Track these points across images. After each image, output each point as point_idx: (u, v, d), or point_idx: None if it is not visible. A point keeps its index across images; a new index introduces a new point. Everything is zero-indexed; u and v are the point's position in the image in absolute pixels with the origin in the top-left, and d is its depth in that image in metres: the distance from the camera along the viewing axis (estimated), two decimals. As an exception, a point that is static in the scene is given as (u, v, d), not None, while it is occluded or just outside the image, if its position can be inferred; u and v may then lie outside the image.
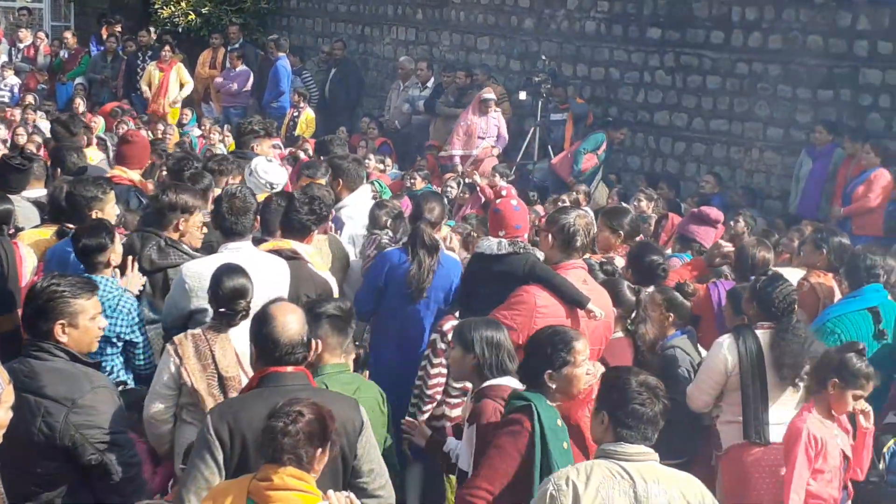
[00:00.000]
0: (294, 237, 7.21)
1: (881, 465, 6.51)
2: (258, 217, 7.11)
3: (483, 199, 13.67)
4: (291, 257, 7.00)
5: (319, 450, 4.33)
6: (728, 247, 8.10)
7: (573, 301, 6.04)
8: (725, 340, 6.56)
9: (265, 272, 6.47)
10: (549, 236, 6.25)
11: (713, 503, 4.59)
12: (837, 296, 7.72)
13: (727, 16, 15.09)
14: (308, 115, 17.97)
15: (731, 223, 10.71)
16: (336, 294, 7.10)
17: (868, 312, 7.28)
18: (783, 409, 6.46)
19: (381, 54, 20.03)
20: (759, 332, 6.52)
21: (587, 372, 5.50)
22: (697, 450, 6.90)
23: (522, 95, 16.26)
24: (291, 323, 4.88)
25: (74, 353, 5.15)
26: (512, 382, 5.50)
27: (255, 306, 6.00)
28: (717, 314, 7.61)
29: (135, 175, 9.50)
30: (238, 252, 6.64)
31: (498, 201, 6.48)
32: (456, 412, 6.83)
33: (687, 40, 15.53)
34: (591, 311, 6.06)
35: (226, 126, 17.38)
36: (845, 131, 13.54)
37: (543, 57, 16.47)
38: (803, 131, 14.06)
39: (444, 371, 6.86)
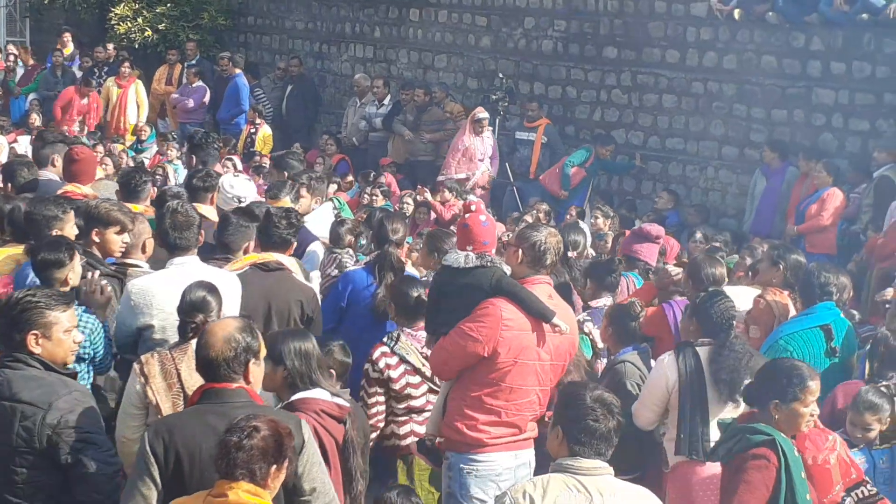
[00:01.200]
0: (276, 251, 7.21)
1: None
2: (202, 231, 7.03)
3: (434, 216, 13.72)
4: (278, 268, 7.02)
5: (274, 466, 4.32)
6: (677, 272, 8.14)
7: (539, 315, 6.06)
8: (666, 358, 6.61)
9: (217, 284, 6.45)
10: (520, 252, 6.25)
11: None
12: (792, 312, 7.78)
13: (682, 36, 15.23)
14: (265, 132, 17.95)
15: (690, 243, 10.79)
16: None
17: (820, 330, 7.34)
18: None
19: (338, 71, 20.04)
20: (700, 349, 6.56)
21: (811, 413, 5.51)
22: (650, 465, 6.92)
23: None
24: (224, 340, 4.82)
25: (49, 363, 5.18)
26: (322, 395, 5.52)
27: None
28: (674, 333, 7.64)
29: (88, 190, 9.46)
30: (183, 267, 6.61)
31: (467, 216, 6.46)
32: (405, 429, 6.89)
33: (643, 59, 15.66)
34: (557, 325, 6.09)
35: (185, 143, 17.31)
36: (797, 150, 13.71)
37: (501, 75, 16.53)
38: (758, 150, 14.19)
39: (381, 399, 6.85)
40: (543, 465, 5.58)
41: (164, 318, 6.33)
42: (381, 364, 6.81)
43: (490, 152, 15.75)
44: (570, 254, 9.07)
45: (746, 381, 6.35)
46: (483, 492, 6.05)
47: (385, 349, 6.85)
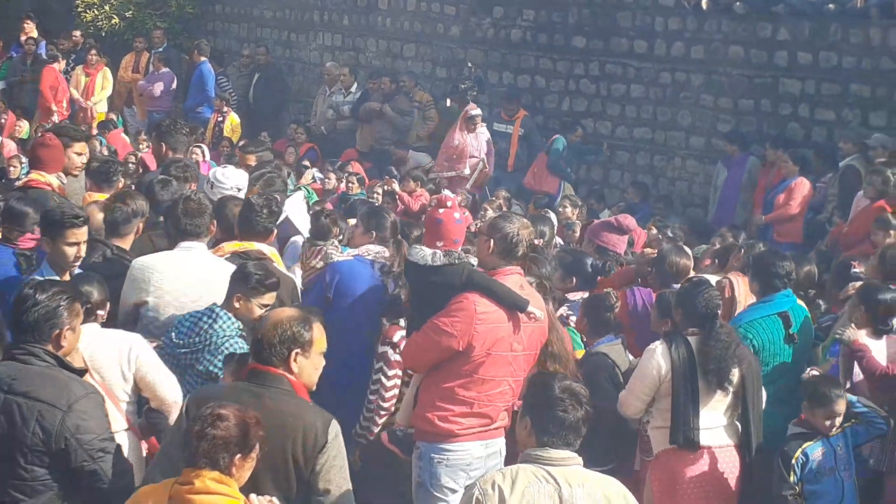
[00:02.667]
0: (257, 239, 7.19)
1: (791, 478, 6.57)
2: (214, 221, 7.12)
3: (401, 207, 13.71)
4: (259, 258, 6.99)
5: (238, 456, 4.32)
6: (651, 252, 8.21)
7: (513, 306, 6.07)
8: (658, 347, 6.62)
9: (216, 273, 6.63)
10: (491, 242, 6.23)
11: None
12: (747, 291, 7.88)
13: (650, 26, 15.28)
14: (233, 119, 17.88)
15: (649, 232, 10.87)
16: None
17: (778, 317, 7.37)
18: (713, 414, 6.56)
19: (307, 60, 19.99)
20: (690, 339, 6.61)
21: None
22: (622, 456, 6.96)
23: (449, 102, 16.33)
24: (273, 325, 4.87)
25: (63, 359, 5.17)
26: None
27: (201, 306, 6.33)
28: (632, 319, 7.68)
29: (53, 179, 9.38)
30: (189, 251, 6.76)
31: (441, 211, 6.42)
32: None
33: (611, 49, 15.71)
34: (532, 313, 6.10)
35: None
36: (762, 140, 13.82)
37: (469, 64, 16.55)
38: (725, 140, 14.26)
39: (399, 382, 6.88)
40: (515, 453, 5.63)
41: (159, 296, 6.50)
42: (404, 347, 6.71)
43: (485, 149, 15.47)
44: (536, 241, 9.07)
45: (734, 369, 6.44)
46: (453, 481, 6.06)
47: (404, 333, 6.82)
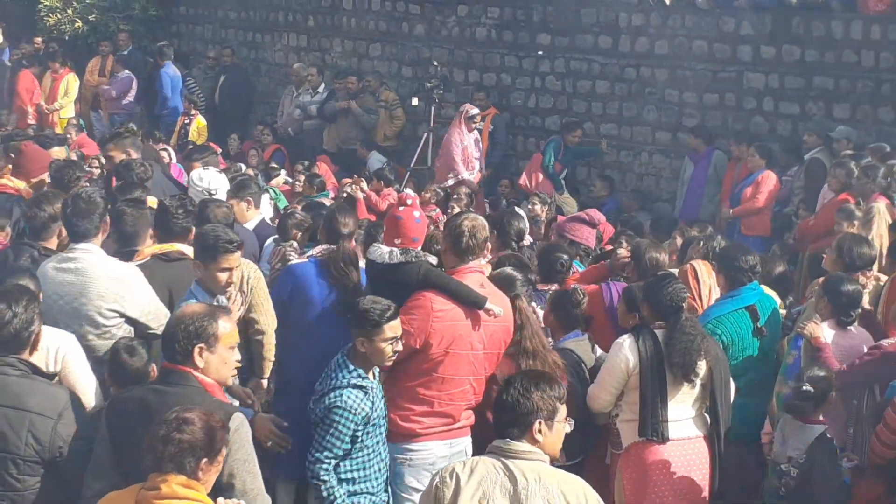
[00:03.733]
0: (176, 240, 7.12)
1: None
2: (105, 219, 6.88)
3: (367, 206, 13.68)
4: (179, 258, 6.94)
5: (205, 460, 4.31)
6: (625, 253, 8.19)
7: (471, 303, 6.07)
8: (626, 341, 6.65)
9: (107, 276, 6.45)
10: (443, 240, 6.29)
11: (597, 502, 4.63)
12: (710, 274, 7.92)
13: (614, 21, 15.30)
14: (199, 121, 17.82)
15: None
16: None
17: (746, 311, 7.41)
18: (681, 406, 6.58)
19: (272, 61, 19.93)
20: (658, 332, 6.62)
21: None
22: (590, 450, 6.96)
23: (415, 101, 16.31)
24: (175, 321, 4.90)
25: (36, 366, 5.21)
26: None
27: (96, 308, 6.20)
28: (608, 314, 7.69)
29: (21, 184, 9.38)
30: (73, 254, 6.54)
31: (401, 209, 6.43)
32: None
33: (576, 46, 15.72)
34: (490, 309, 6.09)
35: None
36: (727, 135, 13.87)
37: (435, 63, 16.54)
38: (690, 135, 14.29)
39: None
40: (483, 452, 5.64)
41: (46, 307, 6.18)
42: None
43: (481, 148, 15.42)
44: (523, 243, 9.08)
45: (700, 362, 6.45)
46: (417, 481, 6.06)
47: None
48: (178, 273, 6.83)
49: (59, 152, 9.85)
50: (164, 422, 4.31)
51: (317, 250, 7.55)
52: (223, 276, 6.37)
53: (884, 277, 8.45)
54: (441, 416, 6.10)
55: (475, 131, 15.30)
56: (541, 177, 14.81)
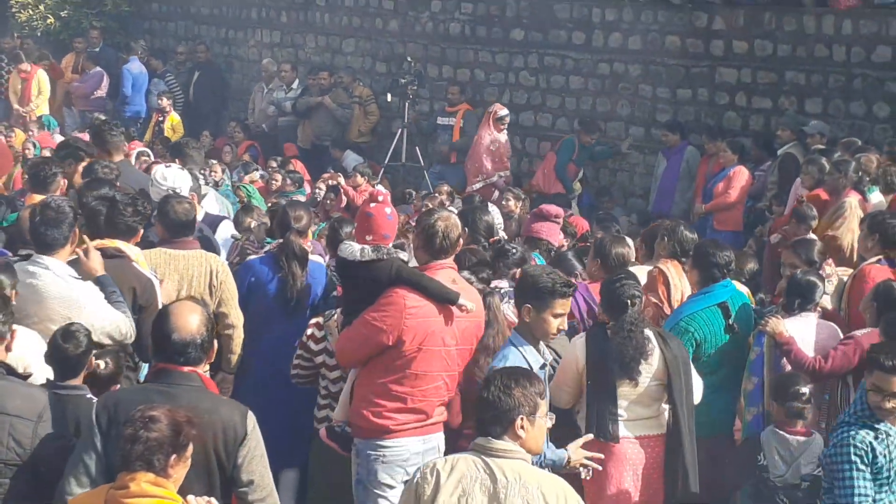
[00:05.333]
0: (120, 238, 6.98)
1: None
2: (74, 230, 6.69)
3: (346, 202, 13.69)
4: (115, 255, 6.84)
5: (174, 456, 4.32)
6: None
7: (443, 299, 6.07)
8: (578, 340, 6.66)
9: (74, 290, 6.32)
10: (415, 237, 6.29)
11: (577, 502, 4.63)
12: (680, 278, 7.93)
13: (588, 17, 15.34)
14: (173, 118, 17.78)
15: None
16: (158, 293, 6.94)
17: (718, 308, 7.41)
18: (636, 405, 6.55)
19: (245, 57, 19.90)
20: (609, 330, 6.62)
21: None
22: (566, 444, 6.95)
23: (389, 97, 16.31)
24: (186, 321, 4.83)
25: (12, 367, 5.18)
26: None
27: (44, 329, 5.99)
28: (578, 317, 7.66)
29: (-6, 183, 9.35)
30: (34, 267, 6.34)
31: (372, 205, 6.40)
32: (322, 413, 6.85)
33: (550, 41, 15.75)
34: (463, 304, 6.09)
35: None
36: (700, 130, 13.92)
37: (409, 58, 16.54)
38: (663, 130, 14.34)
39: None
40: (455, 448, 5.65)
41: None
42: (309, 331, 6.76)
43: (510, 150, 15.31)
44: (500, 236, 9.08)
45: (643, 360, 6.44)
46: (391, 477, 6.06)
47: (319, 320, 6.79)
48: (111, 270, 6.64)
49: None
50: (131, 421, 4.31)
51: (274, 245, 7.65)
52: (556, 323, 6.15)
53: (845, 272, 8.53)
54: (414, 412, 6.08)
55: (504, 131, 15.17)
56: (555, 177, 14.57)
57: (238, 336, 7.33)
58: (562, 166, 14.52)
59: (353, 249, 6.14)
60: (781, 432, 6.76)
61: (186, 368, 4.80)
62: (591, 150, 14.86)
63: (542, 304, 6.02)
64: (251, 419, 4.82)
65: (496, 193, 14.11)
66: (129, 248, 7.01)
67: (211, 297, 7.11)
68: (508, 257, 7.82)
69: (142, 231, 7.20)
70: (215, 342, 5.02)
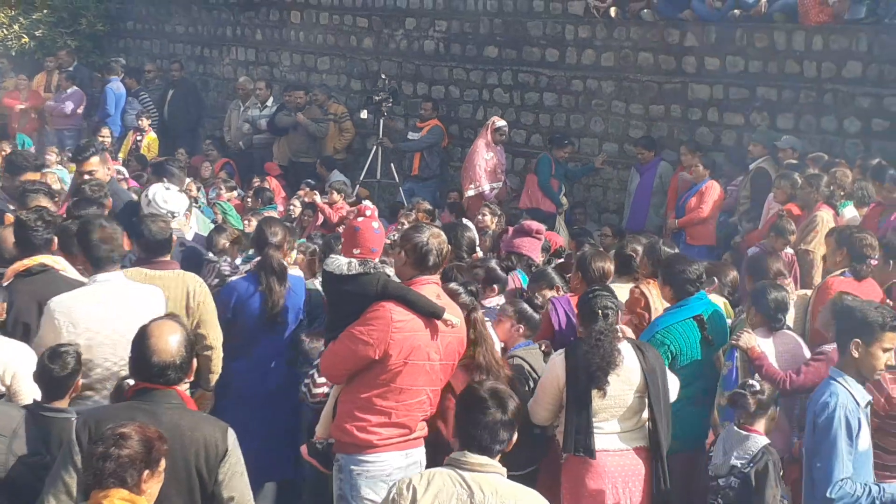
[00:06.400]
0: (38, 253, 7.03)
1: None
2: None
3: (322, 219, 13.74)
4: (42, 270, 6.89)
5: (147, 472, 4.35)
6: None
7: (430, 314, 6.11)
8: (557, 358, 6.69)
9: (135, 301, 6.46)
10: (403, 253, 6.29)
11: None
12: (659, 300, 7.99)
13: (561, 34, 15.45)
14: (150, 136, 17.81)
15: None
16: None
17: (693, 321, 7.47)
18: (613, 420, 6.59)
19: (220, 75, 19.94)
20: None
21: None
22: (541, 459, 6.99)
23: (364, 114, 16.37)
24: (166, 343, 4.87)
25: None
26: None
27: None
28: (557, 331, 7.73)
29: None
30: (107, 284, 6.53)
31: (359, 219, 6.45)
32: None
33: (523, 58, 15.85)
34: (448, 320, 6.14)
35: (66, 148, 17.07)
36: (675, 145, 14.01)
37: (384, 76, 16.60)
38: (638, 146, 14.42)
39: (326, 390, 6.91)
40: (436, 462, 5.66)
41: (90, 338, 6.21)
42: None
43: (505, 163, 15.34)
44: (476, 254, 9.16)
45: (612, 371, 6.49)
46: (374, 492, 6.07)
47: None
48: (43, 286, 6.73)
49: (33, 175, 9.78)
50: (103, 438, 4.34)
51: (253, 263, 7.71)
52: (885, 357, 6.10)
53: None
54: (398, 426, 6.12)
55: (501, 143, 15.23)
56: (541, 195, 14.54)
57: (217, 356, 7.37)
58: (545, 183, 14.53)
59: (339, 263, 6.18)
60: (733, 425, 6.76)
61: (165, 387, 4.85)
62: (565, 165, 14.90)
63: (872, 339, 6.01)
64: (232, 436, 4.87)
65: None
66: (53, 260, 7.04)
67: (188, 317, 7.11)
68: (501, 280, 7.95)
69: (55, 239, 7.19)
70: (194, 361, 5.07)
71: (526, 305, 7.34)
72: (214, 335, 7.31)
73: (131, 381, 5.66)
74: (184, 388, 5.07)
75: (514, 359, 7.11)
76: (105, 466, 4.27)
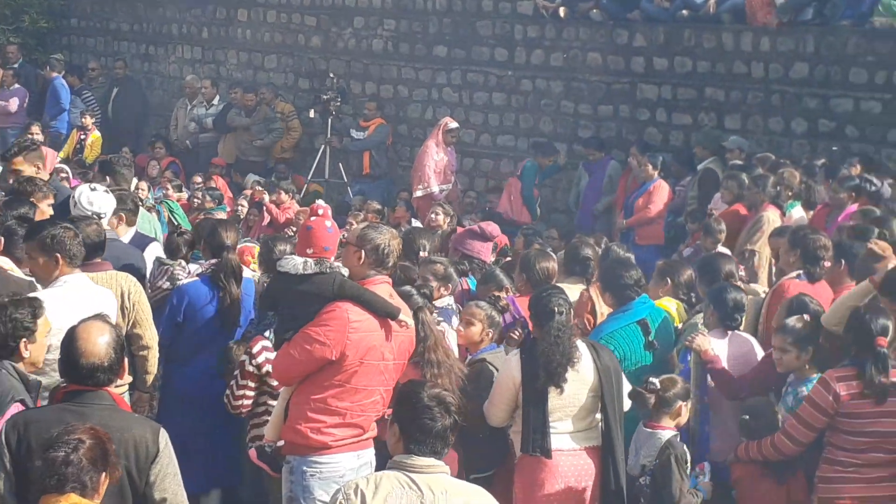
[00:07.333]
0: None
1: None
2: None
3: (269, 219, 13.66)
4: None
5: (103, 474, 4.32)
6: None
7: (386, 314, 6.08)
8: (513, 358, 6.67)
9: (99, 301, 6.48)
10: (362, 253, 6.23)
11: None
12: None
13: (510, 34, 15.46)
14: (94, 135, 17.62)
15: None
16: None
17: (637, 325, 7.47)
18: (568, 419, 6.57)
19: (166, 73, 19.75)
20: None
21: None
22: (503, 460, 6.95)
23: (312, 113, 16.30)
24: (94, 345, 4.81)
25: (24, 373, 5.19)
26: None
27: None
28: (504, 329, 7.69)
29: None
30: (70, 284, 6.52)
31: (312, 219, 6.39)
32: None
33: (472, 58, 15.85)
34: (403, 321, 6.12)
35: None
36: (624, 145, 14.07)
37: (332, 75, 16.55)
38: (588, 147, 14.44)
39: (250, 394, 6.93)
40: (384, 464, 5.63)
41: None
42: (261, 358, 6.82)
43: (456, 165, 15.25)
44: (422, 254, 9.10)
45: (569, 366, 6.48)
46: (326, 493, 5.98)
47: (266, 343, 6.82)
48: None
49: None
50: (61, 442, 4.27)
51: (205, 266, 7.61)
52: None
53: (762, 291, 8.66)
54: (352, 427, 6.07)
55: (452, 145, 15.16)
56: (520, 204, 14.34)
57: (153, 356, 7.32)
58: (528, 192, 14.38)
59: (294, 262, 6.13)
60: (641, 424, 6.78)
61: (95, 388, 4.81)
62: (545, 171, 14.66)
63: None
64: (164, 437, 4.82)
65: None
66: (2, 261, 6.94)
67: (123, 318, 7.04)
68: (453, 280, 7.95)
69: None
70: (125, 360, 5.02)
71: (494, 311, 7.32)
72: (150, 335, 7.26)
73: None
74: (122, 390, 5.02)
75: (479, 361, 7.08)
76: (67, 472, 4.22)
